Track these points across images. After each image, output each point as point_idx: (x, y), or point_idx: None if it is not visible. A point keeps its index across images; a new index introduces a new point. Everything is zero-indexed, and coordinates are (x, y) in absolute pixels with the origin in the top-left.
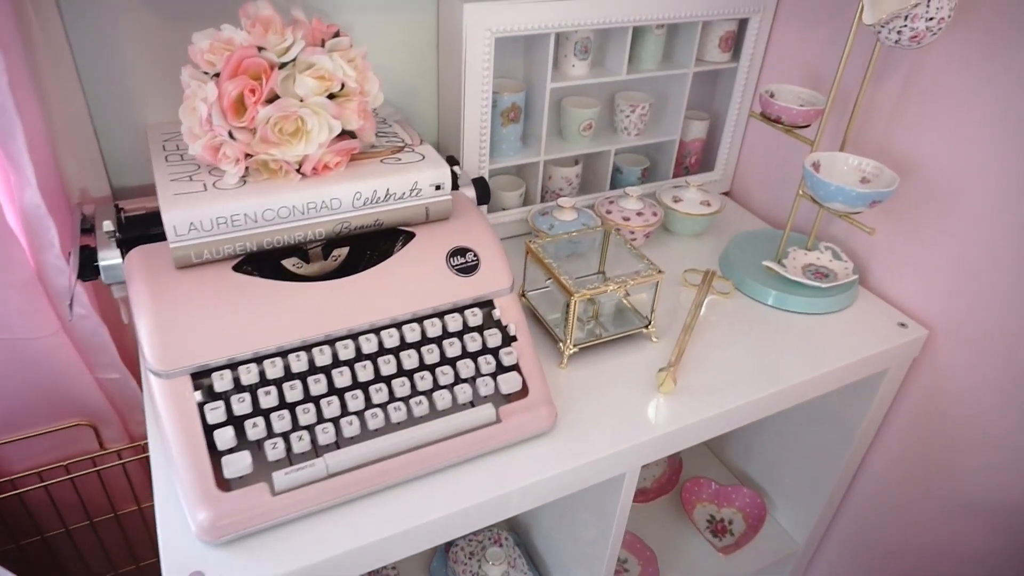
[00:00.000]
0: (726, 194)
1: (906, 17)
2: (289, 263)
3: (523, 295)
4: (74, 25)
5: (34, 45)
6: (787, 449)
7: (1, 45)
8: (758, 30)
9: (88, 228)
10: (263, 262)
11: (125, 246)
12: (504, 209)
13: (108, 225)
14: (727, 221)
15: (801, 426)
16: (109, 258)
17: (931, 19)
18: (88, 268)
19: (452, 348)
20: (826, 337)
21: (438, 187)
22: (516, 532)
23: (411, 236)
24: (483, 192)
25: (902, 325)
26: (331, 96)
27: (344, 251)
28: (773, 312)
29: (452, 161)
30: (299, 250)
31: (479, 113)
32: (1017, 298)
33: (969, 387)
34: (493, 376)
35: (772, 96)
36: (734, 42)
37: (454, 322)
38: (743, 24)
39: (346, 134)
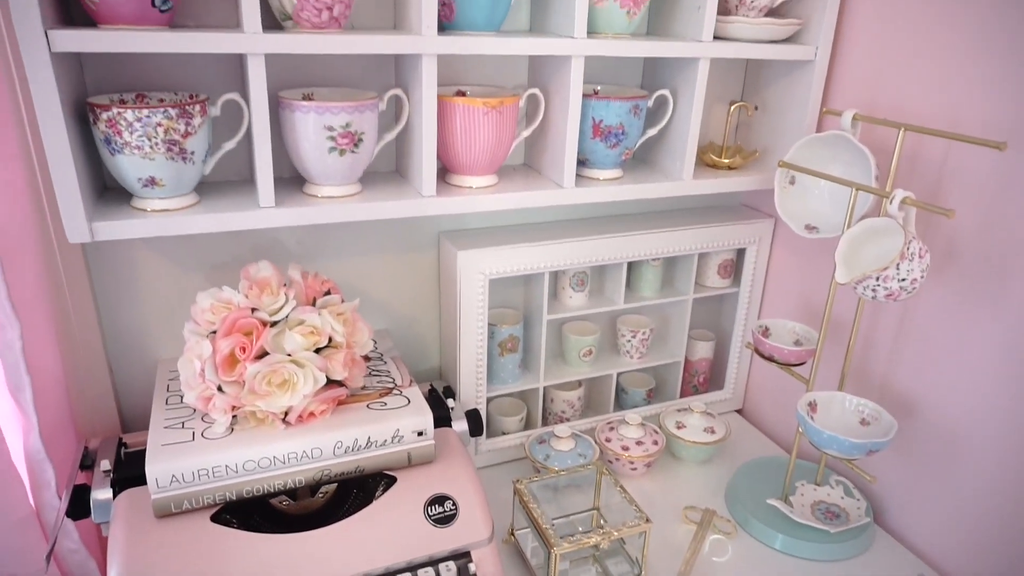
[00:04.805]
0: (739, 411)
1: (878, 278)
2: (276, 500)
3: (512, 533)
4: (99, 273)
5: (63, 298)
6: None
7: (23, 307)
8: (756, 259)
9: (89, 464)
10: (243, 509)
11: (121, 485)
12: (504, 433)
13: (106, 464)
14: (737, 443)
15: None
16: (100, 499)
17: (903, 280)
18: (79, 506)
19: None
20: None
21: (420, 433)
22: None
23: (392, 481)
24: (475, 425)
25: None
26: (319, 349)
27: (331, 488)
28: (781, 557)
29: (448, 392)
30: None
31: (475, 346)
32: None
33: None
34: None
35: (766, 332)
36: (734, 268)
37: None
38: (741, 252)
39: (333, 383)
